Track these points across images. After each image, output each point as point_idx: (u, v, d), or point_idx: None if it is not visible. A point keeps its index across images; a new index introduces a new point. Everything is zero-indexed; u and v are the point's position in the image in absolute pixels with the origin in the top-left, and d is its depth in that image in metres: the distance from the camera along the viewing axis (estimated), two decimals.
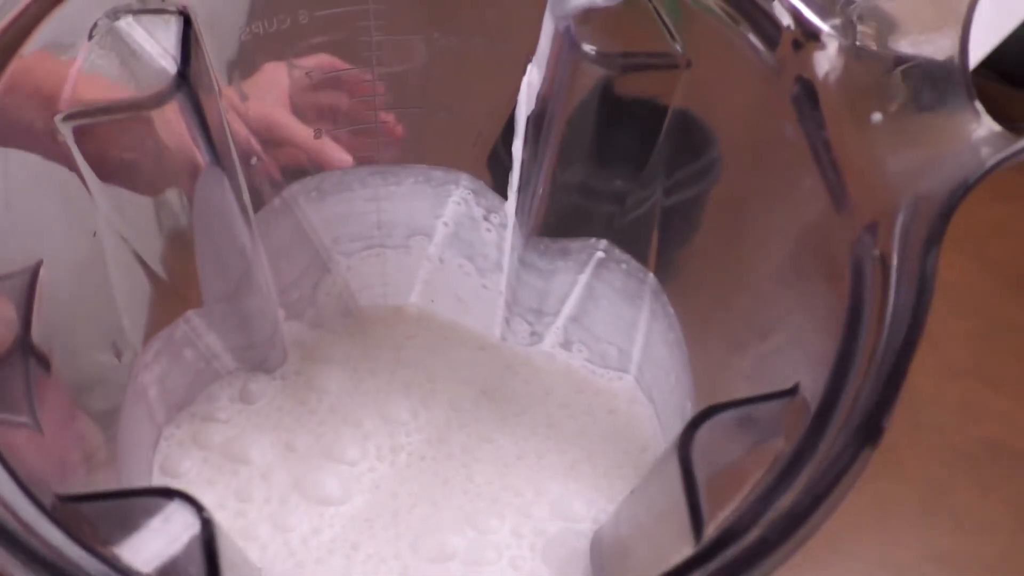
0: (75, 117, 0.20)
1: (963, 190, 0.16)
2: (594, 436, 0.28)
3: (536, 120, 0.25)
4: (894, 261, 0.17)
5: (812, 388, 0.18)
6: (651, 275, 0.27)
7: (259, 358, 0.29)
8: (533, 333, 0.30)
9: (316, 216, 0.29)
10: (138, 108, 0.21)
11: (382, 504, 0.26)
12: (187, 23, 0.21)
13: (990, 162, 0.16)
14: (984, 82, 0.56)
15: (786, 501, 0.15)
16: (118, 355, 0.24)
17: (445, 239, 0.30)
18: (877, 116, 0.19)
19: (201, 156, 0.22)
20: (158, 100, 0.21)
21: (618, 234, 0.27)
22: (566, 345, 0.30)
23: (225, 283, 0.26)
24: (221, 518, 0.24)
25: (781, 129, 0.20)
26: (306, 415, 0.27)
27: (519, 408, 0.28)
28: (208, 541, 0.16)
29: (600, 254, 0.27)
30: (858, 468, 0.15)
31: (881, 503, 0.37)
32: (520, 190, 0.27)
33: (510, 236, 0.29)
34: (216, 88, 0.23)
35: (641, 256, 0.27)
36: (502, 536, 0.26)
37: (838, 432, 0.16)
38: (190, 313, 0.26)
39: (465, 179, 0.28)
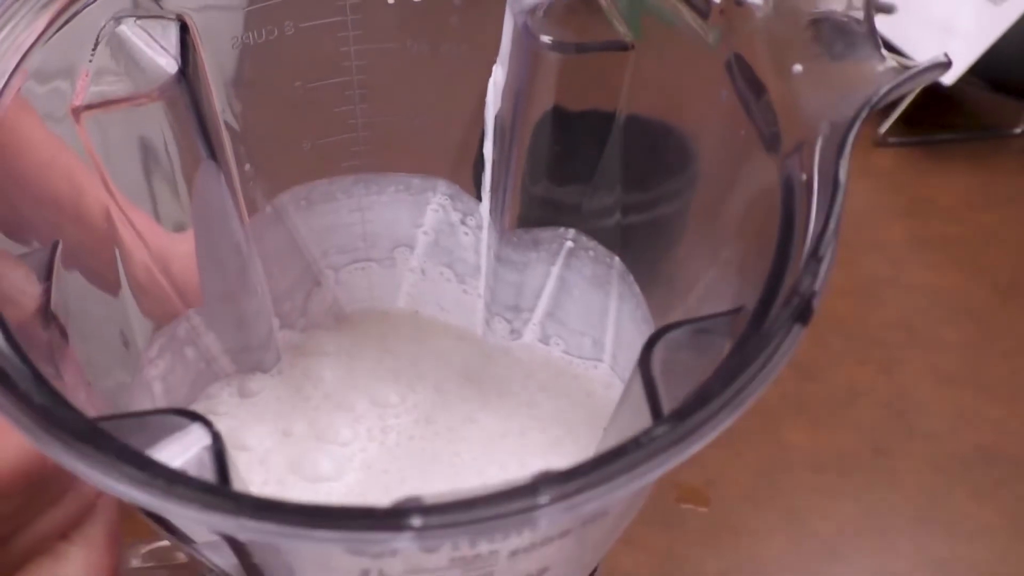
0: (91, 108, 0.23)
1: (867, 107, 0.19)
2: (573, 415, 0.30)
3: (503, 118, 0.28)
4: (815, 177, 0.19)
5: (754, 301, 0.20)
6: (616, 259, 0.29)
7: (255, 360, 0.30)
8: (512, 331, 0.32)
9: (304, 226, 0.31)
10: (144, 99, 0.23)
11: (374, 479, 0.27)
12: (184, 28, 0.24)
13: (889, 85, 0.19)
14: (970, 89, 0.59)
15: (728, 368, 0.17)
16: (126, 344, 0.26)
17: (426, 248, 0.32)
18: (798, 67, 0.21)
19: (198, 151, 0.25)
20: (162, 93, 0.23)
21: (583, 222, 0.29)
22: (544, 339, 0.32)
23: (223, 281, 0.28)
24: None
25: (718, 94, 0.23)
26: (301, 402, 0.29)
27: (501, 391, 0.30)
28: (219, 452, 0.18)
29: (569, 243, 0.30)
30: (790, 340, 0.17)
31: (876, 511, 0.38)
32: (493, 190, 0.30)
33: (486, 236, 0.31)
34: (211, 90, 0.25)
35: (606, 240, 0.29)
36: None
37: (774, 319, 0.18)
38: (191, 311, 0.28)
39: (442, 185, 0.31)
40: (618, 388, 0.31)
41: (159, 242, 0.26)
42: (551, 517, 0.15)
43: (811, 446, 0.40)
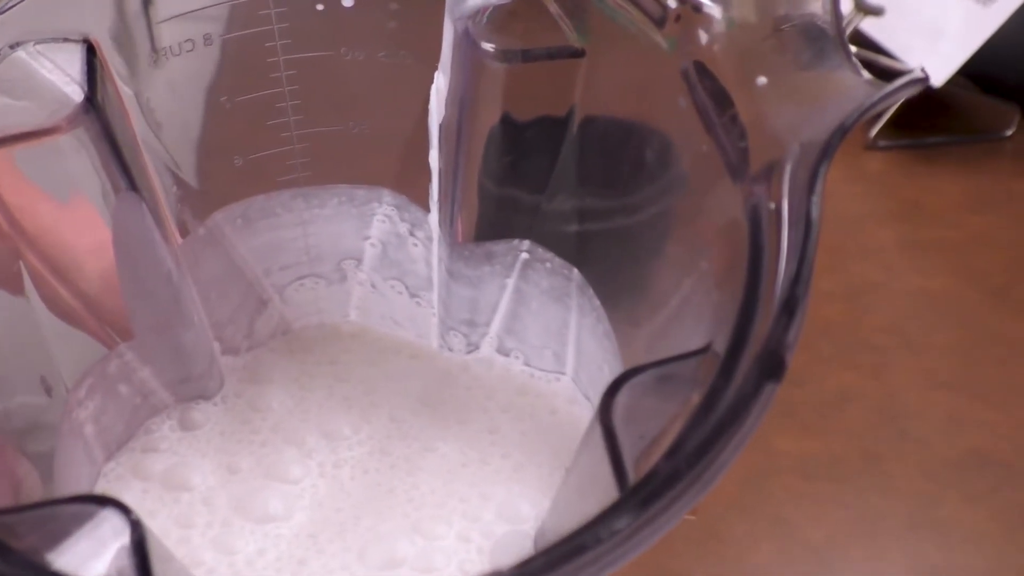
0: None
1: (841, 132, 0.17)
2: (537, 438, 0.28)
3: (447, 127, 0.26)
4: (784, 208, 0.17)
5: (723, 344, 0.18)
6: (575, 271, 0.27)
7: (197, 390, 0.29)
8: (469, 344, 0.30)
9: (244, 246, 0.29)
10: (47, 134, 0.21)
11: (327, 519, 0.26)
12: (91, 51, 0.22)
13: (865, 104, 0.17)
14: (960, 91, 0.58)
15: (697, 440, 0.15)
16: (48, 391, 0.24)
17: (374, 261, 0.31)
18: (762, 79, 0.19)
19: (116, 181, 0.23)
20: (70, 124, 0.21)
21: (540, 233, 0.27)
22: (503, 351, 0.30)
23: (154, 313, 0.26)
24: None
25: (675, 103, 0.21)
26: (248, 436, 0.27)
27: (461, 416, 0.28)
28: (138, 542, 0.16)
29: (524, 255, 0.28)
30: (763, 401, 0.15)
31: (868, 517, 0.37)
32: (441, 200, 0.28)
33: (436, 249, 0.29)
34: (127, 114, 0.23)
35: (564, 252, 0.27)
36: (450, 542, 0.26)
37: (745, 374, 0.16)
38: (122, 346, 0.26)
39: (387, 195, 0.29)
40: (582, 403, 0.29)
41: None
42: None
43: (801, 452, 0.39)
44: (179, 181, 0.26)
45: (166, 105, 0.25)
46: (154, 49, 0.24)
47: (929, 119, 0.58)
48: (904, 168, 0.56)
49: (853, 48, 0.18)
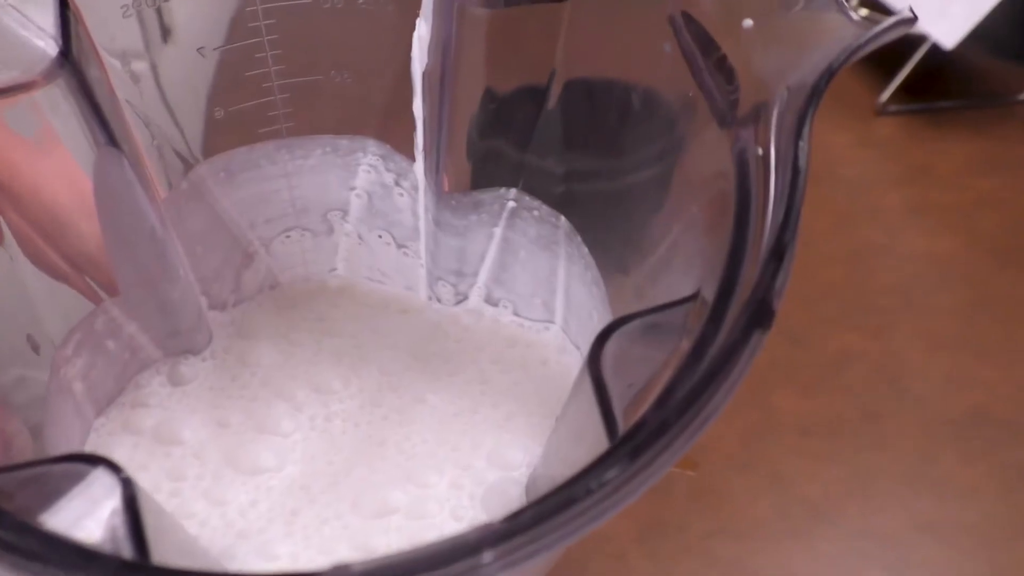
0: None
1: (828, 75, 0.17)
2: (527, 388, 0.28)
3: (430, 75, 0.25)
4: (772, 153, 0.17)
5: (712, 291, 0.18)
6: (563, 219, 0.27)
7: (185, 344, 0.28)
8: (457, 293, 0.30)
9: (227, 199, 0.29)
10: (23, 90, 0.20)
11: (319, 471, 0.26)
12: (64, 3, 0.21)
13: (854, 45, 0.17)
14: (973, 55, 0.57)
15: (685, 389, 0.15)
16: (35, 349, 0.24)
17: (360, 212, 0.30)
18: (748, 22, 0.19)
19: (96, 136, 0.22)
20: (45, 79, 0.21)
21: (527, 184, 0.27)
22: (491, 301, 0.30)
23: (139, 269, 0.26)
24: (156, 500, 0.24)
25: (660, 49, 0.21)
26: (238, 391, 0.27)
27: (451, 368, 0.28)
28: (130, 500, 0.16)
29: (512, 203, 0.28)
30: (751, 349, 0.15)
31: (864, 473, 0.37)
32: (426, 150, 0.28)
33: (422, 198, 0.29)
34: (104, 68, 0.23)
35: (552, 200, 0.27)
36: (441, 489, 0.26)
37: (734, 321, 0.16)
38: (108, 302, 0.26)
39: (372, 145, 0.29)
40: (571, 352, 0.29)
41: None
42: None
43: (800, 411, 0.39)
44: (157, 135, 0.25)
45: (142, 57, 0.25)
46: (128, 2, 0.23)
47: (940, 84, 0.58)
48: (914, 133, 0.55)
49: (863, 11, 0.18)
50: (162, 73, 0.25)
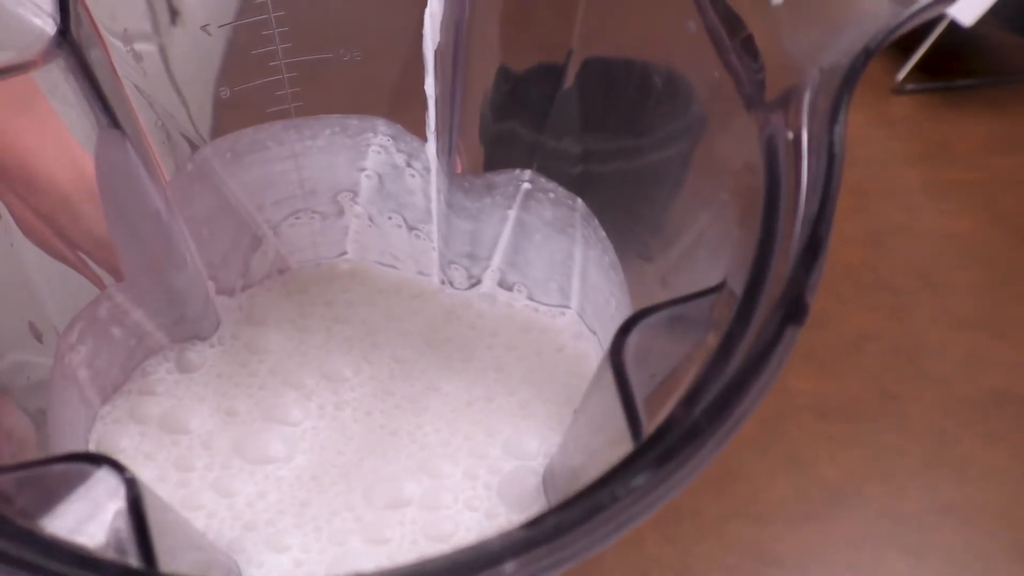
0: None
1: (866, 56, 0.16)
2: (543, 375, 0.28)
3: (443, 53, 0.25)
4: (804, 139, 0.16)
5: (739, 282, 0.17)
6: (580, 201, 0.26)
7: (192, 332, 0.28)
8: (471, 277, 0.29)
9: (234, 181, 0.28)
10: (21, 70, 0.20)
11: (329, 461, 0.25)
12: None
13: (891, 24, 0.16)
14: (992, 32, 0.56)
15: (716, 388, 0.15)
16: (38, 337, 0.24)
17: (371, 193, 0.30)
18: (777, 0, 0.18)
19: (97, 118, 0.22)
20: (44, 58, 0.20)
21: (543, 166, 0.26)
22: (505, 285, 0.29)
23: (143, 253, 0.25)
24: (162, 491, 0.24)
25: (685, 27, 0.20)
26: (246, 379, 0.27)
27: (465, 355, 0.28)
28: (134, 501, 0.16)
29: (527, 185, 0.27)
30: (784, 346, 0.15)
31: (884, 455, 0.36)
32: (438, 130, 0.27)
33: (434, 180, 0.28)
34: (106, 48, 0.22)
35: (568, 183, 0.26)
36: (456, 480, 0.25)
37: (765, 316, 0.16)
38: (113, 288, 0.25)
39: (382, 124, 0.28)
40: (588, 338, 0.28)
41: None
42: None
43: (818, 392, 0.38)
44: (162, 115, 0.25)
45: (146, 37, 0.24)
46: None
47: (958, 61, 0.57)
48: (931, 111, 0.54)
49: None
50: (169, 53, 0.24)
